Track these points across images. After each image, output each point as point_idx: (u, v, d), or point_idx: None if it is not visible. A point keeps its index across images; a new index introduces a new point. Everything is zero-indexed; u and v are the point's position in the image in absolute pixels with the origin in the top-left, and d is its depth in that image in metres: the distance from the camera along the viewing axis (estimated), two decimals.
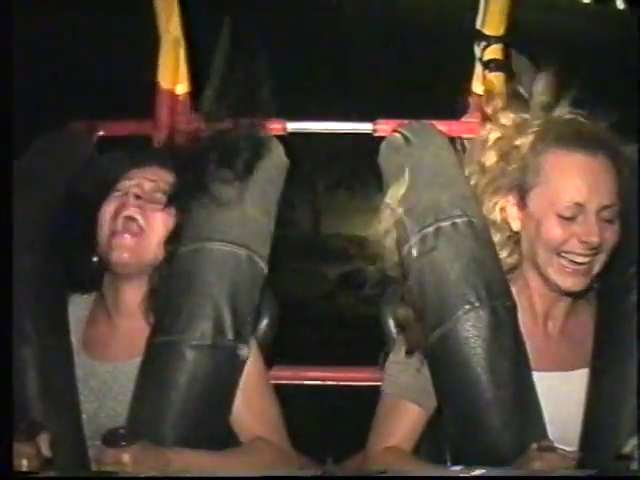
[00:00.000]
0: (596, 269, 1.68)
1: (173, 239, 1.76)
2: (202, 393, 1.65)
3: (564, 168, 1.69)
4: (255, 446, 1.69)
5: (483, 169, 1.78)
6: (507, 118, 1.79)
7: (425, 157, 1.85)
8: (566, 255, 1.66)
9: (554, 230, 1.67)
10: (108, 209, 1.75)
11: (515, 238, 1.75)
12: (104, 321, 1.79)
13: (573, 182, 1.67)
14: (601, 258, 1.67)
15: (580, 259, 1.66)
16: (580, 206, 1.65)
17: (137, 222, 1.73)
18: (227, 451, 1.67)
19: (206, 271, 1.71)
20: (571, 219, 1.66)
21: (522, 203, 1.72)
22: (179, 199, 1.78)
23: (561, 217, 1.66)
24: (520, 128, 1.76)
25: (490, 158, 1.77)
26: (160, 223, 1.75)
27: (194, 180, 1.80)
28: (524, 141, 1.74)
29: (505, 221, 1.75)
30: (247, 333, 1.71)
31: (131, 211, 1.73)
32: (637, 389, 1.56)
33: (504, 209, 1.75)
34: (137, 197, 1.74)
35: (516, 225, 1.74)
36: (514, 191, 1.73)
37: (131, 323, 1.76)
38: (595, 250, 1.65)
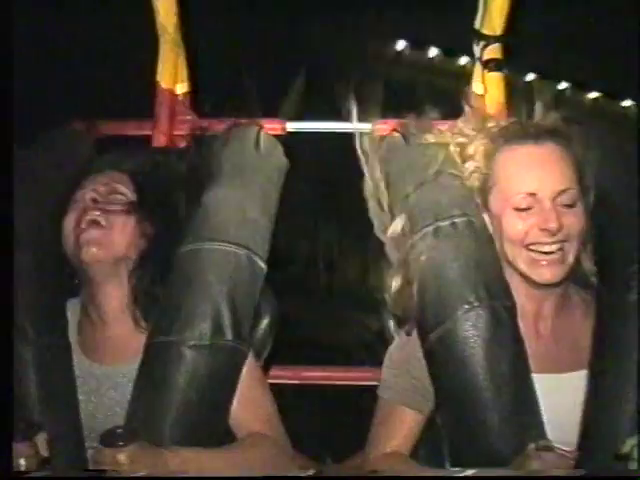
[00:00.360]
0: (570, 258, 1.67)
1: (140, 241, 1.76)
2: (201, 393, 1.64)
3: (513, 162, 1.70)
4: (252, 441, 1.69)
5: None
6: (466, 127, 1.82)
7: (424, 156, 1.85)
8: (533, 247, 1.66)
9: (513, 223, 1.68)
10: (69, 220, 1.76)
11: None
12: (91, 328, 1.79)
13: (522, 173, 1.68)
14: (573, 246, 1.67)
15: (547, 248, 1.66)
16: (533, 195, 1.66)
17: (100, 223, 1.73)
18: (224, 448, 1.67)
19: (205, 271, 1.71)
20: (528, 210, 1.66)
21: (486, 207, 1.73)
22: (141, 203, 1.78)
23: (518, 210, 1.67)
24: (472, 137, 1.79)
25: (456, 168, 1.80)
26: (122, 222, 1.75)
27: (156, 187, 1.82)
28: (477, 148, 1.76)
29: None
30: (246, 333, 1.72)
31: (92, 215, 1.74)
32: (637, 389, 1.56)
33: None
34: (94, 201, 1.75)
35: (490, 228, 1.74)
36: (479, 197, 1.75)
37: (117, 329, 1.76)
38: (560, 237, 1.65)
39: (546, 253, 1.66)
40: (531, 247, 1.67)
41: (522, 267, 1.69)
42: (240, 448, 1.68)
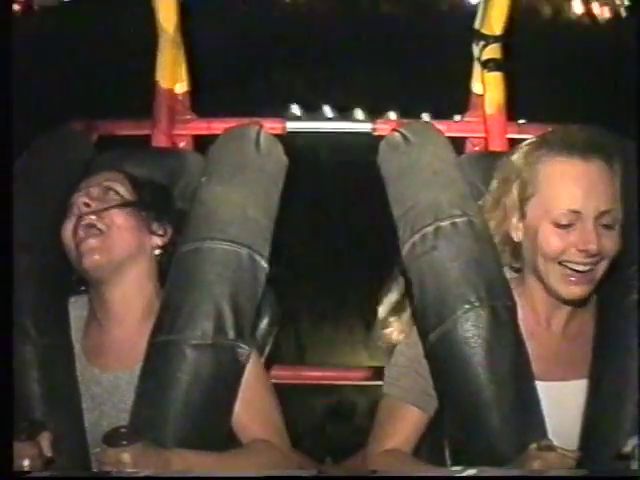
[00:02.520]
0: (599, 275, 1.66)
1: (144, 237, 1.76)
2: (203, 392, 1.64)
3: (558, 176, 1.66)
4: (256, 448, 1.69)
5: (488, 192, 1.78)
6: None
7: (424, 156, 1.85)
8: (566, 264, 1.64)
9: (551, 239, 1.65)
10: (67, 228, 1.75)
11: (520, 249, 1.74)
12: (98, 331, 1.78)
13: (568, 189, 1.64)
14: (603, 264, 1.65)
15: (581, 267, 1.63)
16: (576, 213, 1.63)
17: (96, 227, 1.73)
18: (228, 452, 1.67)
19: (207, 270, 1.71)
20: (568, 227, 1.63)
21: (521, 214, 1.70)
22: (138, 199, 1.78)
23: (558, 225, 1.64)
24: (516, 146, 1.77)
25: (492, 183, 1.77)
26: (119, 221, 1.74)
27: (150, 183, 1.83)
28: (519, 155, 1.72)
29: (509, 233, 1.73)
30: (248, 332, 1.71)
31: (86, 220, 1.73)
32: (637, 389, 1.56)
33: (507, 222, 1.73)
34: (87, 205, 1.74)
35: (517, 236, 1.72)
36: (515, 204, 1.71)
37: (121, 331, 1.76)
38: (595, 257, 1.63)
39: (579, 272, 1.64)
40: (564, 263, 1.64)
41: (551, 280, 1.67)
42: (244, 454, 1.68)
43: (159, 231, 1.79)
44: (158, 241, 1.79)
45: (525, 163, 1.70)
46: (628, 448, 1.37)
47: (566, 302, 1.69)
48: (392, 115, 2.89)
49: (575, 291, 1.66)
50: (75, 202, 1.76)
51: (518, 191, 1.70)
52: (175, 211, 1.84)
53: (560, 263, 1.65)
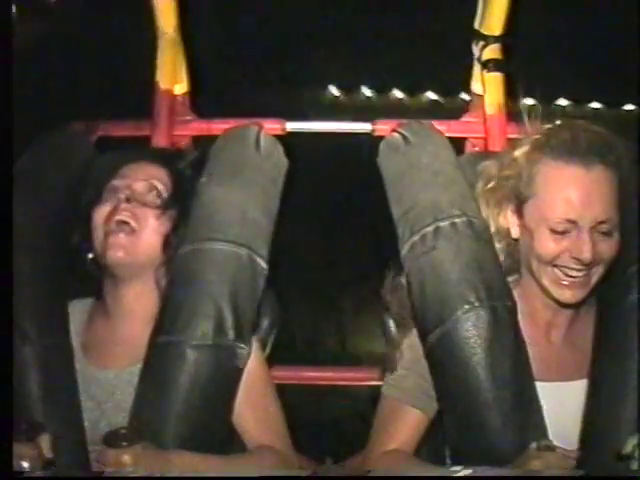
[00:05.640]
0: (594, 280, 1.66)
1: (171, 241, 1.75)
2: (203, 393, 1.64)
3: (556, 182, 1.65)
4: (259, 454, 1.69)
5: (485, 178, 1.77)
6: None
7: (424, 157, 1.85)
8: (560, 268, 1.65)
9: (546, 244, 1.65)
10: (100, 212, 1.75)
11: (517, 245, 1.74)
12: (103, 325, 1.78)
13: (565, 197, 1.63)
14: (599, 270, 1.65)
15: (574, 273, 1.64)
16: (573, 222, 1.62)
17: (129, 225, 1.73)
18: (230, 457, 1.68)
19: (207, 271, 1.70)
20: (564, 233, 1.63)
21: (519, 212, 1.70)
22: (175, 202, 1.78)
23: (554, 231, 1.64)
24: (520, 139, 1.75)
25: (491, 168, 1.76)
26: (153, 224, 1.74)
27: (190, 185, 1.81)
28: (521, 151, 1.71)
29: (506, 228, 1.73)
30: (248, 333, 1.71)
31: (122, 215, 1.73)
32: (637, 389, 1.56)
33: (505, 216, 1.73)
34: (128, 200, 1.74)
35: (515, 232, 1.72)
36: (513, 200, 1.71)
37: (131, 327, 1.76)
38: (589, 265, 1.63)
39: (572, 277, 1.64)
40: (558, 267, 1.65)
41: (545, 283, 1.67)
42: (246, 460, 1.68)
43: (183, 232, 1.77)
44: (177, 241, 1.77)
45: (526, 161, 1.69)
46: (628, 448, 1.37)
47: (560, 305, 1.69)
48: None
49: (568, 295, 1.66)
50: (117, 189, 1.75)
51: (516, 189, 1.69)
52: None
53: (554, 266, 1.65)
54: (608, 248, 1.64)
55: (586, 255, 1.60)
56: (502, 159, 1.75)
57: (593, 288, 1.67)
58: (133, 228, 1.73)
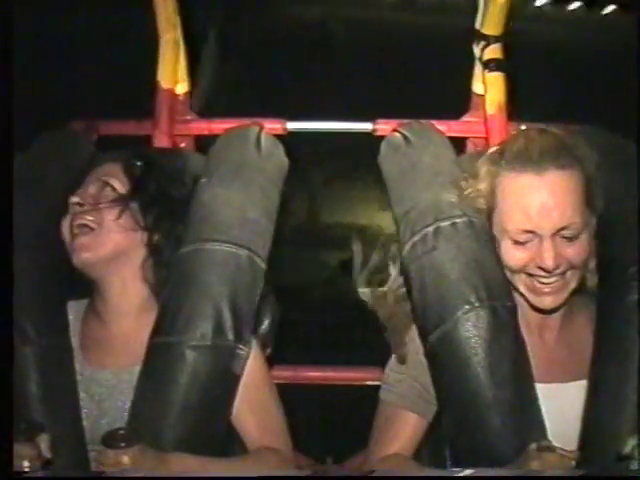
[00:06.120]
0: (572, 284, 1.66)
1: (152, 234, 1.77)
2: (202, 394, 1.64)
3: (512, 192, 1.65)
4: (259, 456, 1.69)
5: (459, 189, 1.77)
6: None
7: (425, 157, 1.85)
8: (532, 277, 1.65)
9: (511, 254, 1.65)
10: (64, 226, 1.78)
11: None
12: (97, 325, 1.79)
13: (521, 208, 1.63)
14: (575, 274, 1.65)
15: (546, 280, 1.64)
16: (531, 232, 1.62)
17: (88, 226, 1.75)
18: (230, 460, 1.68)
19: (206, 271, 1.70)
20: (525, 243, 1.63)
21: (490, 222, 1.71)
22: (134, 194, 1.78)
23: (516, 242, 1.64)
24: (481, 154, 1.76)
25: (462, 182, 1.76)
26: (111, 219, 1.75)
27: (148, 175, 1.82)
28: (481, 165, 1.72)
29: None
30: (248, 333, 1.71)
31: (79, 219, 1.75)
32: (637, 389, 1.56)
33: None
34: (80, 205, 1.76)
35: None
36: (483, 211, 1.72)
37: (120, 324, 1.77)
38: (560, 270, 1.62)
39: (545, 283, 1.65)
40: (530, 275, 1.65)
41: (521, 290, 1.68)
42: (246, 462, 1.68)
43: (153, 225, 1.78)
44: (154, 235, 1.78)
45: (486, 174, 1.70)
46: (628, 448, 1.37)
47: (540, 312, 1.69)
48: None
49: (545, 302, 1.66)
50: (71, 201, 1.78)
51: (483, 200, 1.70)
52: (173, 203, 1.83)
53: (527, 275, 1.65)
54: (575, 252, 1.63)
55: (548, 263, 1.60)
56: (468, 175, 1.75)
57: (574, 290, 1.67)
58: (91, 227, 1.74)
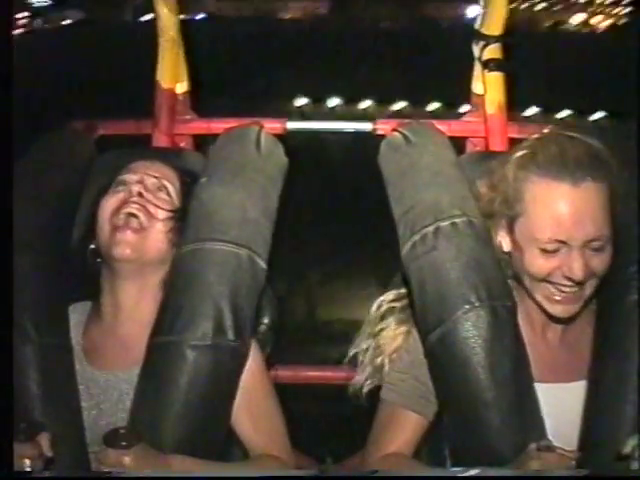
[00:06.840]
0: (587, 293, 1.64)
1: (176, 244, 1.75)
2: (203, 393, 1.64)
3: (545, 200, 1.62)
4: (259, 462, 1.68)
5: (476, 196, 1.76)
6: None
7: (425, 157, 1.85)
8: (552, 284, 1.63)
9: (537, 263, 1.63)
10: (109, 204, 1.74)
11: (509, 257, 1.71)
12: (101, 328, 1.78)
13: (555, 217, 1.60)
14: (593, 283, 1.63)
15: (567, 289, 1.62)
16: (562, 242, 1.60)
17: (138, 219, 1.72)
18: (230, 464, 1.68)
19: (207, 271, 1.70)
20: (554, 252, 1.61)
21: (510, 228, 1.68)
22: (180, 206, 1.78)
23: (544, 251, 1.62)
24: (508, 155, 1.71)
25: (482, 186, 1.74)
26: (161, 224, 1.74)
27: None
28: (509, 168, 1.67)
29: (498, 241, 1.71)
30: (248, 333, 1.71)
31: (133, 208, 1.72)
32: (637, 389, 1.56)
33: (496, 232, 1.71)
34: (140, 195, 1.73)
35: (507, 246, 1.70)
36: (504, 215, 1.68)
37: (129, 328, 1.75)
38: (582, 281, 1.61)
39: (565, 292, 1.63)
40: (551, 283, 1.63)
41: (538, 298, 1.66)
42: (247, 467, 1.68)
43: (175, 240, 1.76)
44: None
45: (514, 178, 1.65)
46: (628, 448, 1.37)
47: (552, 320, 1.68)
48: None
49: (560, 310, 1.65)
50: (128, 183, 1.75)
51: (506, 205, 1.67)
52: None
53: (547, 282, 1.63)
54: (600, 263, 1.62)
55: (578, 273, 1.59)
56: (492, 177, 1.72)
57: (587, 300, 1.66)
58: (141, 223, 1.72)
